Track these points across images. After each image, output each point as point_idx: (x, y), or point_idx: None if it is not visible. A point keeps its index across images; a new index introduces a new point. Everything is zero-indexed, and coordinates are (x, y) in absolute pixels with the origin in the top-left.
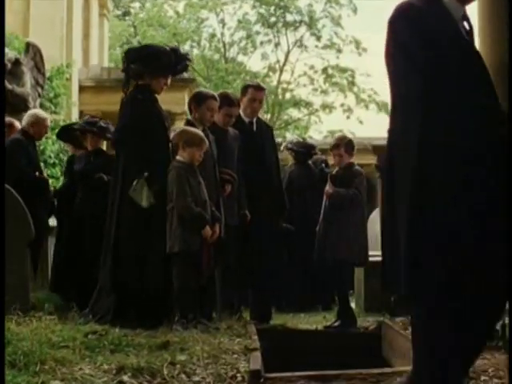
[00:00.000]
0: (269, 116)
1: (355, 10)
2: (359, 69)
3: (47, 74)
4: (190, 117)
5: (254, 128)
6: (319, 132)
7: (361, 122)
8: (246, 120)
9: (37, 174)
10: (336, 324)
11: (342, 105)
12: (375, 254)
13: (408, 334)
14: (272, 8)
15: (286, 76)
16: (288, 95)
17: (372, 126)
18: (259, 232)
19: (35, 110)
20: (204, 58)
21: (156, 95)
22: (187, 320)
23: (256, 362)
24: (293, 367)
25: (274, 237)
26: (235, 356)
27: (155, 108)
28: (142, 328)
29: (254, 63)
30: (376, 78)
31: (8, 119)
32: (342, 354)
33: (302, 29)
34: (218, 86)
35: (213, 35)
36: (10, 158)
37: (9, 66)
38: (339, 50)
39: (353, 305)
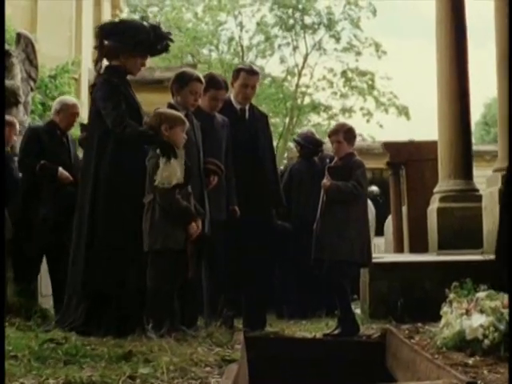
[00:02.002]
0: (287, 120)
1: (375, 12)
2: (379, 72)
3: (52, 73)
4: (172, 100)
5: (247, 115)
6: None
7: (381, 126)
8: (238, 107)
9: (42, 162)
10: (336, 332)
11: (362, 108)
12: (381, 255)
13: (412, 344)
14: (290, 10)
15: (304, 80)
16: (307, 99)
17: (392, 130)
18: (250, 230)
19: (62, 97)
20: (222, 62)
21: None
22: (161, 327)
23: (229, 376)
24: (284, 379)
25: (267, 235)
26: (207, 369)
27: (130, 94)
28: (113, 336)
29: (273, 67)
30: (396, 81)
31: (8, 117)
32: (342, 365)
33: (321, 31)
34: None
35: (231, 38)
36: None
37: None
38: (358, 53)
39: (358, 310)
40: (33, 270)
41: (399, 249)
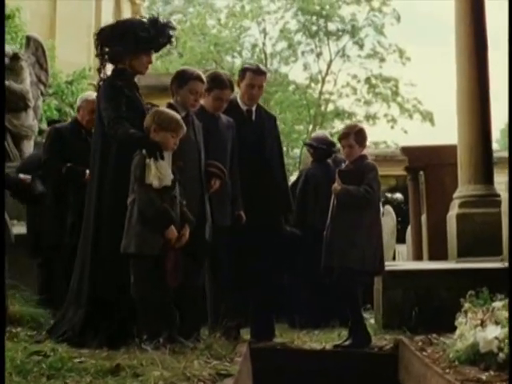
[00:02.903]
0: (311, 127)
1: (398, 19)
2: (403, 78)
3: (69, 78)
4: (172, 100)
5: (253, 117)
6: None
7: (405, 132)
8: (244, 108)
9: (68, 164)
10: (347, 343)
11: (386, 115)
12: (396, 262)
13: (424, 357)
14: (314, 17)
15: (328, 86)
16: (331, 106)
17: (416, 135)
18: (256, 236)
19: (85, 93)
20: None
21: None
22: (157, 337)
23: None
24: None
25: (274, 242)
26: None
27: (135, 96)
28: (108, 346)
29: (296, 74)
30: (420, 88)
31: None
32: (352, 378)
33: (345, 38)
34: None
35: (254, 45)
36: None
37: (6, 61)
38: (382, 60)
39: (373, 320)
40: (57, 280)
41: (418, 256)
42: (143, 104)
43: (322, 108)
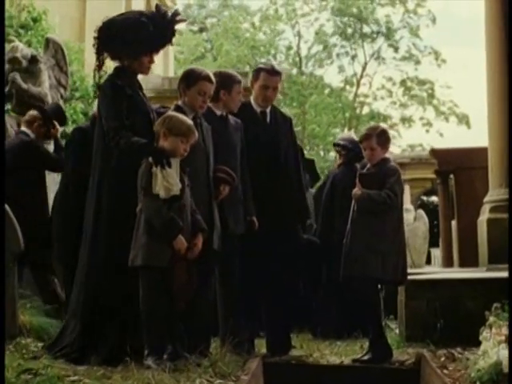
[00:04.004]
0: (346, 130)
1: (434, 20)
2: (439, 80)
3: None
4: (179, 101)
5: (268, 119)
6: (398, 146)
7: (441, 135)
8: (258, 110)
9: None
10: (366, 357)
11: (421, 118)
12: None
13: (444, 376)
14: (349, 19)
15: (363, 89)
16: (366, 109)
17: (452, 139)
18: (271, 243)
19: None
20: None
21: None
22: (160, 353)
23: None
24: None
25: (290, 250)
26: None
27: (138, 95)
28: (107, 363)
29: (331, 76)
30: (456, 90)
31: None
32: None
33: (380, 40)
34: (293, 100)
35: (289, 48)
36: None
37: (24, 63)
38: (418, 62)
39: (398, 330)
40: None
41: (448, 262)
42: (147, 103)
43: (357, 111)
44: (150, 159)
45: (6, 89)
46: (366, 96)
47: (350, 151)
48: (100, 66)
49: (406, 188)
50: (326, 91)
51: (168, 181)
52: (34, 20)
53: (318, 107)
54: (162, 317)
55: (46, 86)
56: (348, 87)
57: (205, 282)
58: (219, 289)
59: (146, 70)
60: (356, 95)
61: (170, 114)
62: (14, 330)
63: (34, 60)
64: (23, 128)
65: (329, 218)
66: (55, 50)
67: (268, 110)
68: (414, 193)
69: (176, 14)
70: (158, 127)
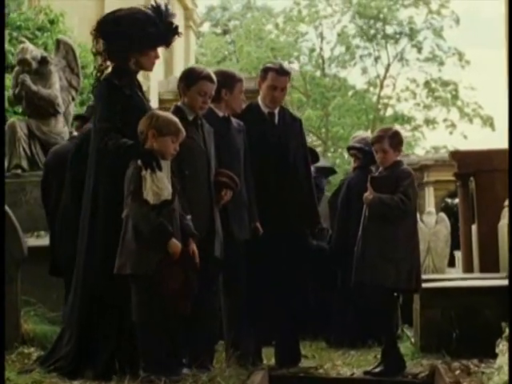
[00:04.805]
0: (369, 132)
1: (458, 21)
2: (462, 82)
3: None
4: (179, 102)
5: (276, 120)
6: (422, 148)
7: (465, 137)
8: (265, 111)
9: None
10: (378, 369)
11: (445, 120)
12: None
13: None
14: (371, 20)
15: (386, 91)
16: (389, 111)
17: (476, 141)
18: (278, 250)
19: None
20: (304, 74)
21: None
22: (154, 367)
23: None
24: None
25: (298, 257)
26: None
27: (137, 95)
28: (102, 377)
29: (354, 78)
30: (480, 92)
31: None
32: None
33: (403, 41)
34: (317, 102)
35: (312, 50)
36: None
37: (34, 64)
38: (441, 63)
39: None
40: None
41: (468, 267)
42: (146, 104)
43: (381, 113)
44: (139, 162)
45: (16, 91)
46: (389, 98)
47: (366, 154)
48: (104, 63)
49: (430, 190)
50: (350, 93)
51: (158, 185)
52: (51, 22)
53: (342, 109)
54: (157, 328)
55: (56, 88)
56: (371, 89)
57: (206, 290)
58: (223, 298)
59: (151, 67)
60: (379, 97)
61: (155, 112)
62: (16, 339)
63: (44, 61)
64: (75, 133)
65: (344, 223)
66: (66, 51)
67: (276, 111)
68: (438, 195)
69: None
70: (142, 127)
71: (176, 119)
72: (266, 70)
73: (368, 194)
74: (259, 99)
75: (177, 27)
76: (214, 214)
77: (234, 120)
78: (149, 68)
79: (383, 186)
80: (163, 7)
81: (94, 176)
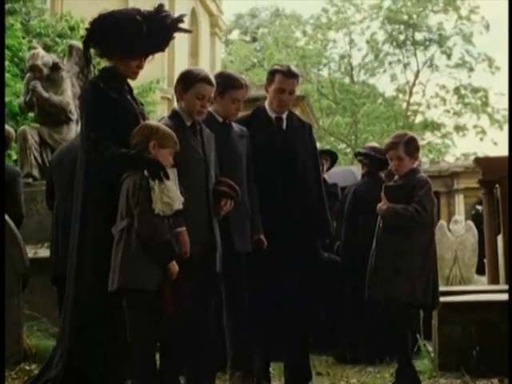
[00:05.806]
0: None
1: (487, 27)
2: (493, 88)
3: (135, 91)
4: (176, 106)
5: (284, 125)
6: (452, 155)
7: (495, 144)
8: (273, 115)
9: None
10: None
11: (475, 126)
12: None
13: None
14: (401, 27)
15: (416, 97)
16: (419, 117)
17: (507, 147)
18: (286, 263)
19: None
20: (333, 81)
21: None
22: None
23: None
24: None
25: (308, 270)
26: None
27: (126, 99)
28: None
29: (383, 85)
30: None
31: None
32: None
33: (432, 47)
34: (346, 109)
35: (342, 56)
36: None
37: (45, 71)
38: (471, 69)
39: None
40: None
41: (494, 278)
42: (136, 108)
43: (410, 119)
44: (146, 172)
45: (27, 98)
46: (419, 104)
47: (373, 159)
48: (88, 62)
49: (460, 198)
50: (379, 100)
51: (168, 196)
52: (71, 28)
53: (371, 116)
54: (152, 348)
55: (68, 95)
56: (401, 95)
57: (206, 309)
58: (225, 314)
59: (132, 75)
60: (409, 103)
61: (153, 124)
62: (17, 355)
63: (55, 67)
64: None
65: (351, 234)
66: (79, 56)
67: (284, 116)
68: (468, 202)
69: (180, 19)
70: (141, 138)
71: (172, 132)
72: (273, 73)
73: (382, 205)
74: (266, 103)
75: (168, 38)
76: (213, 227)
77: (235, 125)
78: (129, 76)
79: (398, 195)
80: (159, 13)
81: (83, 182)
